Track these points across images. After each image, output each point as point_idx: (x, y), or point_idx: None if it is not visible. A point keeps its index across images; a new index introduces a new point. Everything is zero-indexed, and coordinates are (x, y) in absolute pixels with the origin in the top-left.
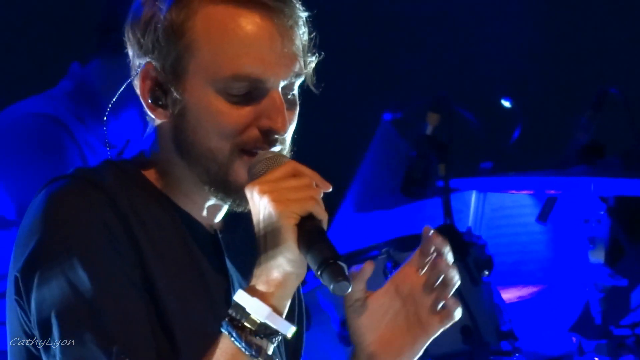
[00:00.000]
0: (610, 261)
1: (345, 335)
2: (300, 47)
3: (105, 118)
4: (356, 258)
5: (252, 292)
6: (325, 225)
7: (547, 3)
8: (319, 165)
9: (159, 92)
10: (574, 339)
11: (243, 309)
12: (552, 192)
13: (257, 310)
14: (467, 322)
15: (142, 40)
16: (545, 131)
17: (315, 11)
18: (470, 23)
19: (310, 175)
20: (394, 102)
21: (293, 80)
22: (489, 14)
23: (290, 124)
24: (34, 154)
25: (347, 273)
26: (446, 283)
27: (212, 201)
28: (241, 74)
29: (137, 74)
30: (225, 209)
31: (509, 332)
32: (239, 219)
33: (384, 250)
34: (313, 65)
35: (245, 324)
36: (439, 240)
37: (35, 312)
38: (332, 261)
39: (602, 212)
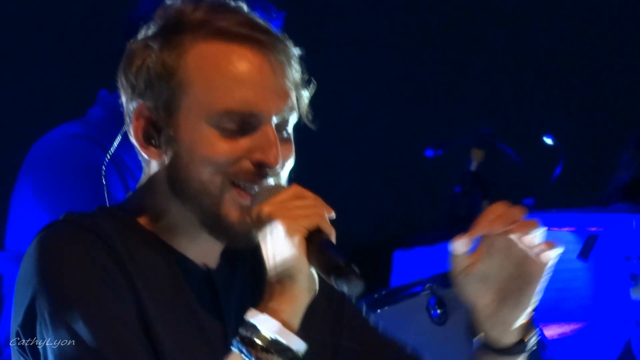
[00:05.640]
0: None
1: None
2: (293, 83)
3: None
4: (399, 294)
5: (263, 308)
6: (333, 239)
7: (590, 42)
8: (363, 202)
9: (152, 131)
10: None
11: (253, 325)
12: (594, 229)
13: (267, 326)
14: None
15: (134, 82)
16: (586, 169)
17: (352, 47)
18: (512, 60)
19: (313, 198)
20: (435, 139)
21: (287, 117)
22: (531, 51)
23: (285, 159)
24: (74, 176)
25: (358, 272)
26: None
27: (207, 241)
28: (233, 109)
29: (130, 117)
30: (219, 248)
31: None
32: (237, 259)
33: (427, 286)
34: (307, 101)
35: (256, 340)
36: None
37: None
38: (341, 265)
39: None
